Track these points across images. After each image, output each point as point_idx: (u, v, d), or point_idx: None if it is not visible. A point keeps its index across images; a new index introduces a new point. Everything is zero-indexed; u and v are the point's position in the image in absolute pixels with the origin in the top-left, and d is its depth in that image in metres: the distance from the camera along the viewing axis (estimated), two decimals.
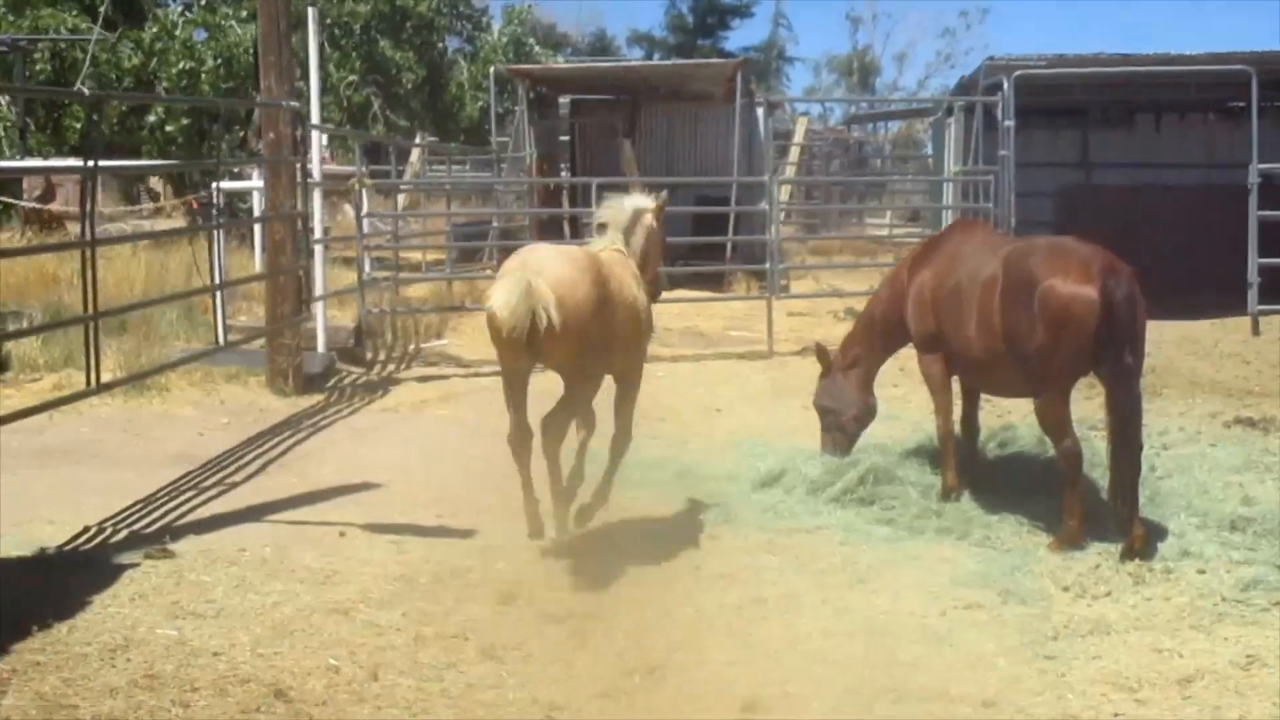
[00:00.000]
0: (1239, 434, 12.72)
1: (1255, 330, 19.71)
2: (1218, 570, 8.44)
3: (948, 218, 22.60)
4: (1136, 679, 6.73)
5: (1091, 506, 9.39)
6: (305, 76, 18.06)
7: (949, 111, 26.58)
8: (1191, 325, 20.28)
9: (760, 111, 27.56)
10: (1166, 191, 27.05)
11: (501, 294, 8.05)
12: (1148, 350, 16.63)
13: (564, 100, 30.99)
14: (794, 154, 37.14)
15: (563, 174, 29.81)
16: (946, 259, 10.15)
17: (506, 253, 25.58)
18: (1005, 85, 20.63)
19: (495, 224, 26.38)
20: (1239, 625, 7.56)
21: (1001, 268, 9.20)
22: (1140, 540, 8.71)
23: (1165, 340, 18.45)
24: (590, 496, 9.28)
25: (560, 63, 38.74)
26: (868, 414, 11.10)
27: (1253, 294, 19.89)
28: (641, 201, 9.86)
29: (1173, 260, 24.20)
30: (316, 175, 16.39)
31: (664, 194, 10.30)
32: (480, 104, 33.16)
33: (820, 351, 11.32)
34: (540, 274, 8.20)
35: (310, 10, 16.49)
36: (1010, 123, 20.62)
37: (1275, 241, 20.11)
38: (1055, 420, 9.12)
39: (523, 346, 8.19)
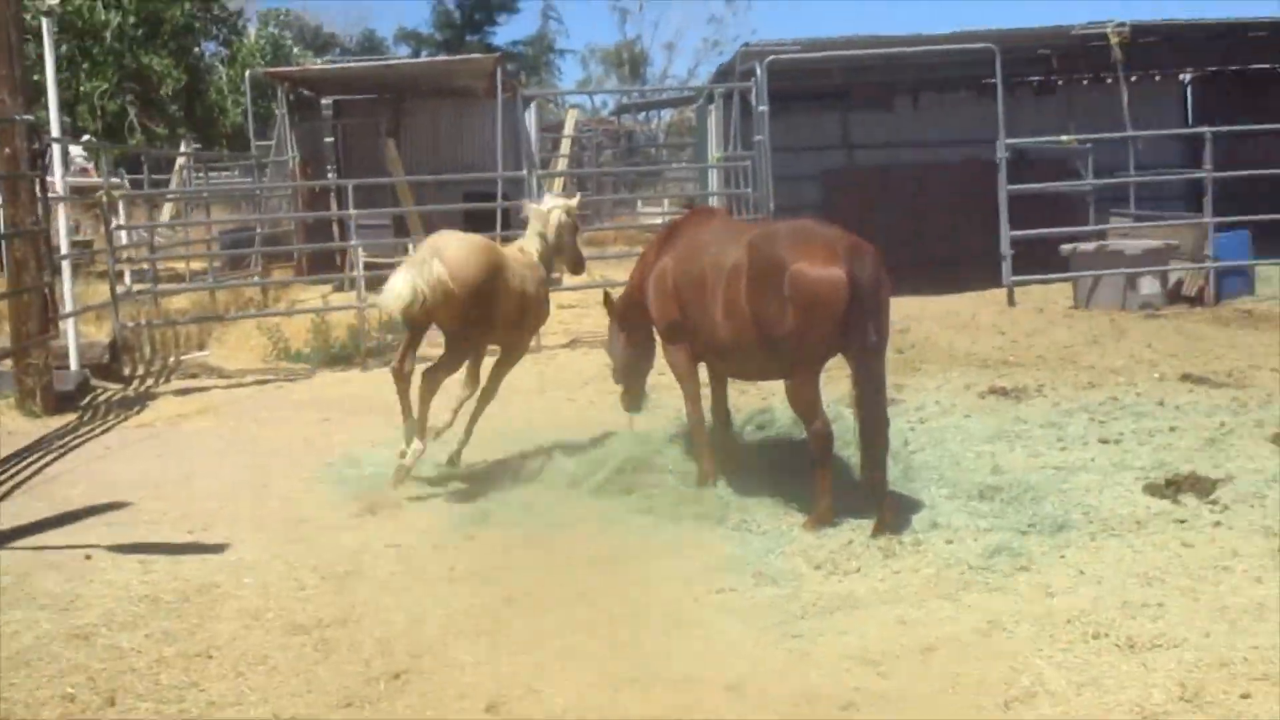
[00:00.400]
0: (993, 404, 13.05)
1: (1010, 301, 20.25)
2: (965, 539, 8.64)
3: (715, 203, 22.82)
4: (880, 651, 6.82)
5: (850, 484, 9.53)
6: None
7: (710, 99, 26.80)
8: (952, 299, 20.79)
9: (526, 105, 27.56)
10: (926, 169, 27.70)
11: (392, 285, 10.22)
12: (909, 326, 17.29)
13: (326, 101, 30.58)
14: (565, 146, 37.17)
15: (328, 176, 29.42)
16: (685, 248, 10.14)
17: (272, 259, 25.71)
18: (758, 71, 20.81)
19: (260, 230, 25.95)
20: (983, 592, 7.71)
21: (746, 254, 9.20)
22: (890, 515, 8.87)
23: (926, 315, 18.91)
24: (456, 445, 11.25)
25: (319, 63, 38.24)
26: (626, 370, 11.26)
27: (1006, 266, 20.40)
28: (556, 202, 11.91)
29: (936, 235, 24.91)
30: (60, 189, 15.91)
31: (578, 196, 12.71)
32: (241, 109, 32.52)
33: (605, 298, 11.47)
34: (440, 253, 10.28)
35: (44, 21, 15.97)
36: (764, 108, 20.79)
37: (1028, 214, 20.66)
38: (806, 401, 9.18)
39: (417, 310, 10.24)
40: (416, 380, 10.60)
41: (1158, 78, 32.93)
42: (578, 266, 12.26)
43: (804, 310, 8.78)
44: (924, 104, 31.62)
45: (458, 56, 39.84)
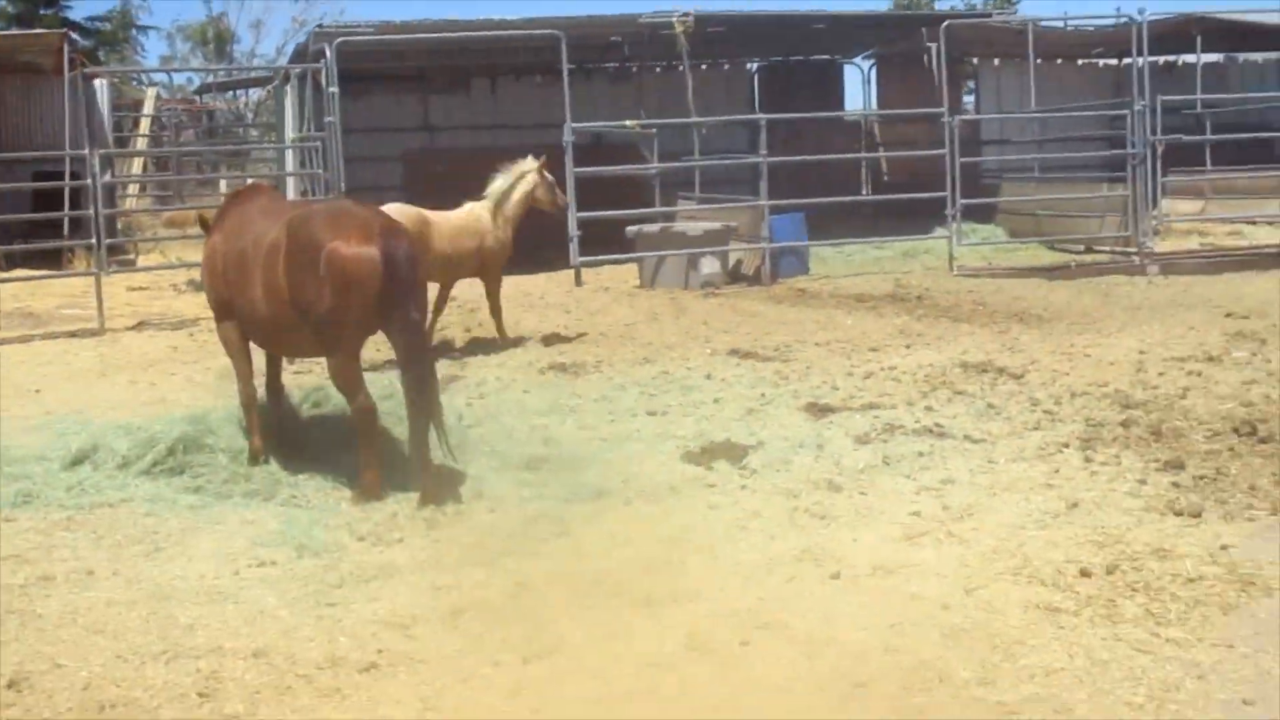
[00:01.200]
0: (551, 379, 13.47)
1: (578, 281, 20.80)
2: (508, 508, 8.99)
3: (291, 184, 22.71)
4: (410, 616, 7.03)
5: (400, 458, 9.74)
6: None
7: (286, 79, 26.61)
8: (526, 279, 21.22)
9: (98, 83, 26.82)
10: (504, 151, 28.07)
11: None
12: (480, 306, 17.59)
13: None
14: (144, 125, 36.31)
15: None
16: (231, 227, 10.22)
17: None
18: (328, 52, 20.79)
19: None
20: (519, 558, 7.97)
21: (285, 233, 9.33)
22: (436, 487, 9.11)
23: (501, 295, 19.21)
24: None
25: None
26: None
27: (574, 248, 20.92)
28: (524, 165, 16.15)
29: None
30: None
31: (543, 157, 16.54)
32: None
33: (201, 220, 11.25)
34: None
35: None
36: (334, 89, 20.75)
37: (602, 196, 21.22)
38: (347, 378, 9.38)
39: None
40: None
41: (726, 66, 34.24)
42: (555, 209, 17.37)
43: (340, 288, 8.97)
44: (501, 88, 32.06)
45: (18, 32, 38.35)
